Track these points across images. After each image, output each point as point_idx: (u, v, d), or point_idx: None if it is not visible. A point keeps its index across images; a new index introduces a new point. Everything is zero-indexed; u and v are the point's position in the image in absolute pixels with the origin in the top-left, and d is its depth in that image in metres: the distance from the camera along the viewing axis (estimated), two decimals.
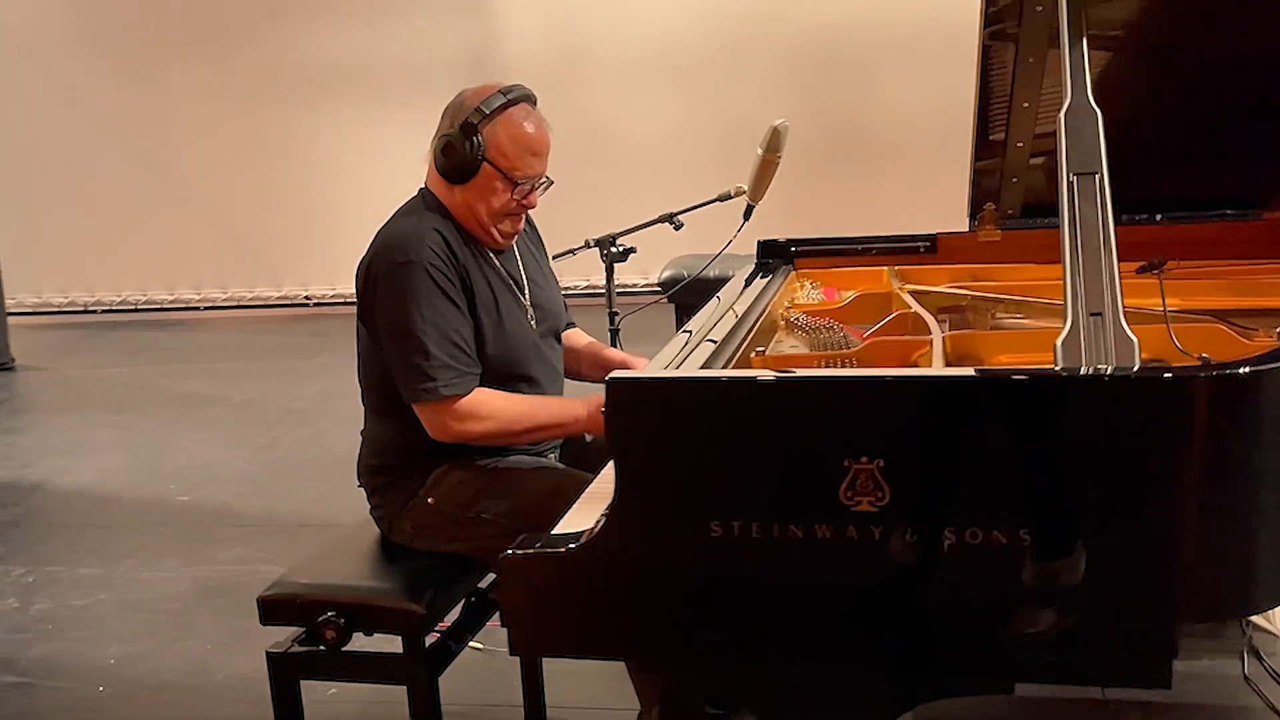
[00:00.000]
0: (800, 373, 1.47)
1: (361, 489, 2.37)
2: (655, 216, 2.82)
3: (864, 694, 1.47)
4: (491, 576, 2.38)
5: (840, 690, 1.47)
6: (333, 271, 7.87)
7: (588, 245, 2.92)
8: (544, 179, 2.22)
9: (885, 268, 2.65)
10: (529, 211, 2.29)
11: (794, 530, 1.42)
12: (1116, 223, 2.64)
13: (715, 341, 1.86)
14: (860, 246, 2.72)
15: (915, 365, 1.89)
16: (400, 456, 2.24)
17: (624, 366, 2.42)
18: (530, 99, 2.21)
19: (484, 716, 2.61)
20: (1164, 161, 2.40)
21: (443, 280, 2.12)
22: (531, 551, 1.51)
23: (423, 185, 2.29)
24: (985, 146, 2.40)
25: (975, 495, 1.37)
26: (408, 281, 2.10)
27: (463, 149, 2.13)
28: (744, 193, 2.52)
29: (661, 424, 1.46)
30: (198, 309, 8.15)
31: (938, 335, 1.94)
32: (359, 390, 2.37)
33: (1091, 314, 1.39)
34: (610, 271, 2.97)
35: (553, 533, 1.66)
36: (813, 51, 7.11)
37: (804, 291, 2.57)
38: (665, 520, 1.46)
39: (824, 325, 2.23)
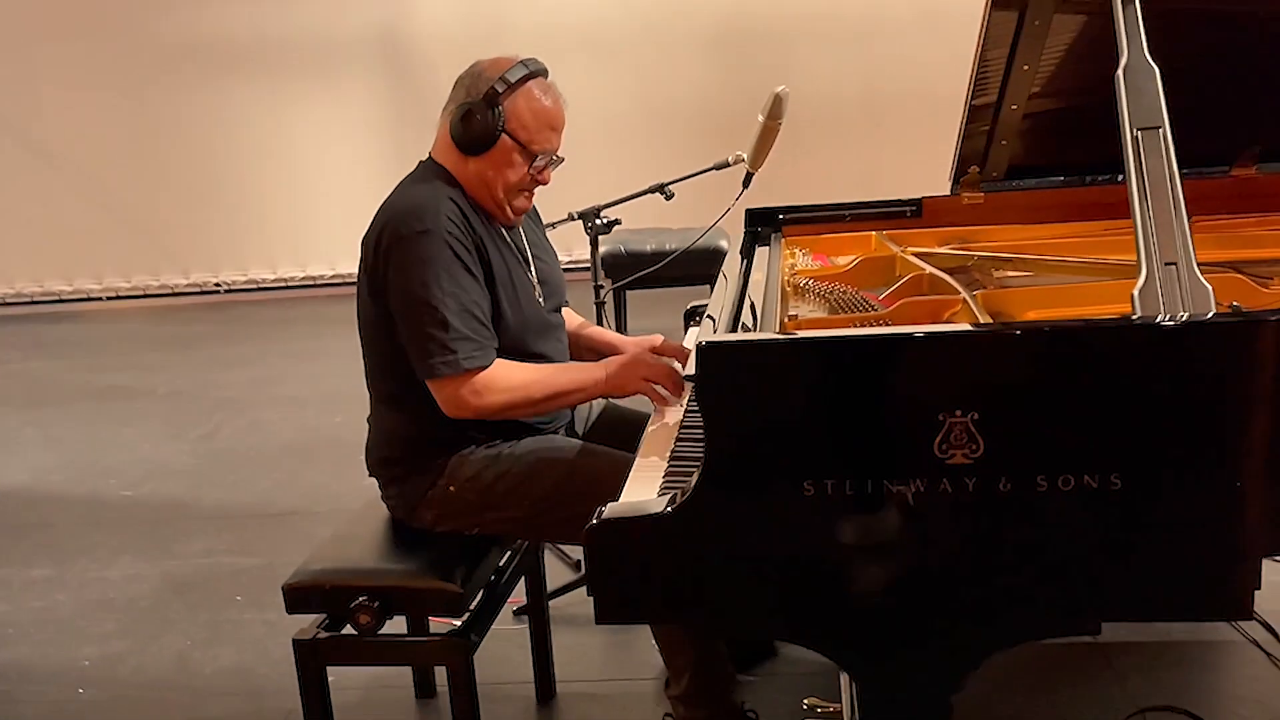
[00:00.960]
0: (894, 331, 1.49)
1: (373, 479, 2.32)
2: (645, 187, 2.82)
3: (953, 643, 1.50)
4: (507, 554, 2.38)
5: (930, 639, 1.51)
6: (243, 257, 7.66)
7: (571, 218, 2.91)
8: (558, 155, 2.20)
9: (874, 232, 2.70)
10: None
11: (888, 486, 1.45)
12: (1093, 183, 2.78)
13: (755, 307, 1.87)
14: (847, 213, 2.76)
15: (949, 323, 1.94)
16: (415, 446, 2.20)
17: (619, 348, 2.42)
18: (546, 73, 2.18)
19: (494, 694, 2.59)
20: None
21: (461, 250, 2.07)
22: (624, 517, 1.51)
23: (426, 157, 2.24)
24: (974, 111, 2.45)
25: (1066, 442, 1.41)
26: (425, 251, 2.04)
27: (485, 119, 2.10)
28: (742, 160, 2.54)
29: (754, 387, 1.46)
30: (100, 299, 7.83)
31: (967, 294, 1.98)
32: (363, 379, 2.30)
33: (1166, 263, 1.44)
34: (595, 245, 2.96)
35: (619, 501, 1.66)
36: (733, 27, 7.14)
37: (797, 258, 2.60)
38: (758, 482, 1.47)
39: (836, 289, 2.27)
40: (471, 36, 7.08)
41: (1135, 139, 1.51)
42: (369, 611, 2.04)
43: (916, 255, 2.40)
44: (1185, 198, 2.52)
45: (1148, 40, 2.15)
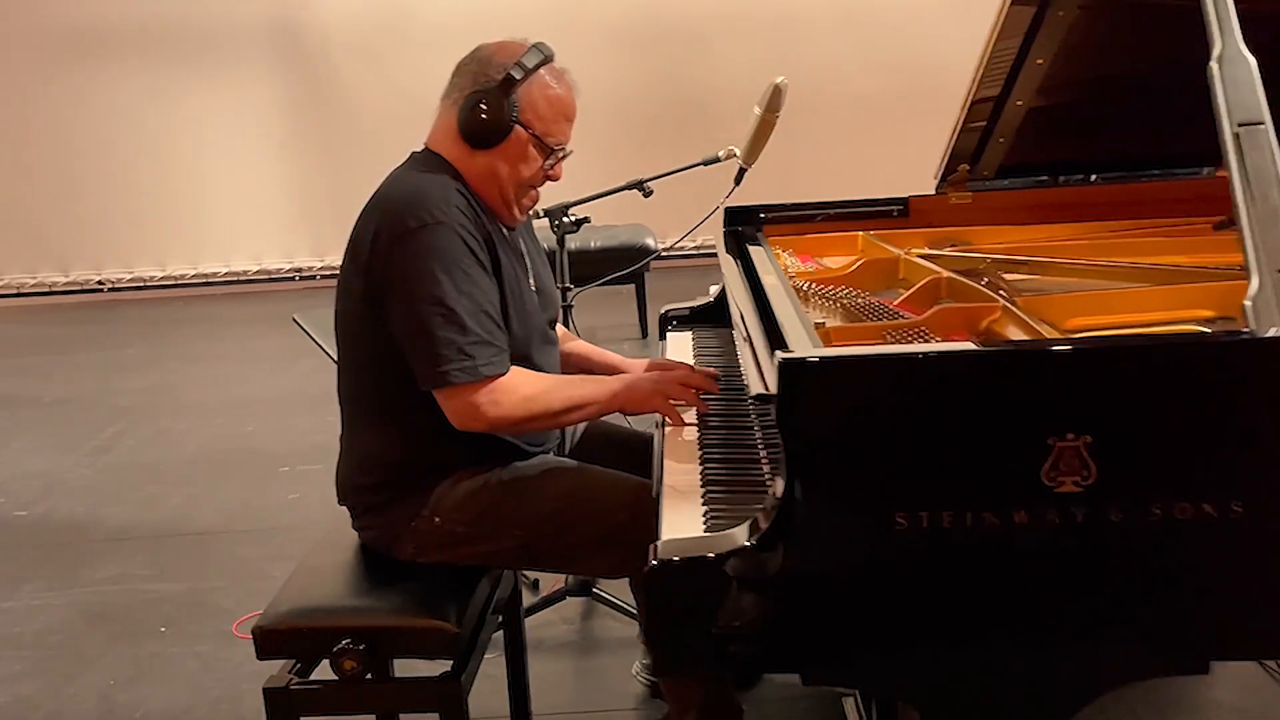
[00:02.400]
0: (1006, 346, 1.35)
1: (344, 507, 2.09)
2: (623, 184, 2.64)
3: (1048, 686, 1.37)
4: (504, 581, 2.18)
5: (1024, 683, 1.37)
6: (128, 253, 7.21)
7: (537, 215, 2.71)
8: (569, 148, 2.01)
9: (860, 233, 2.58)
10: None
11: (987, 517, 1.31)
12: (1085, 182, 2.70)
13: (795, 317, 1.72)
14: (831, 212, 2.63)
15: (991, 332, 1.81)
16: (399, 473, 1.98)
17: (620, 369, 2.24)
18: (554, 57, 2.00)
19: None
20: (1138, 119, 2.42)
21: (475, 245, 1.87)
22: (693, 558, 1.34)
23: (422, 147, 2.03)
24: (976, 106, 2.35)
25: (1185, 467, 1.30)
26: (437, 244, 1.83)
27: (498, 108, 1.90)
28: (734, 155, 2.38)
29: (843, 408, 1.31)
30: None
31: (1007, 301, 1.86)
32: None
33: (1278, 270, 1.33)
34: (562, 244, 2.78)
35: (662, 539, 1.49)
36: (646, 22, 7.00)
37: (784, 260, 2.46)
38: (844, 515, 1.32)
39: (842, 292, 2.13)
40: (377, 24, 6.77)
41: (1236, 135, 1.40)
42: (354, 656, 1.82)
43: (923, 257, 2.27)
44: (1167, 199, 2.54)
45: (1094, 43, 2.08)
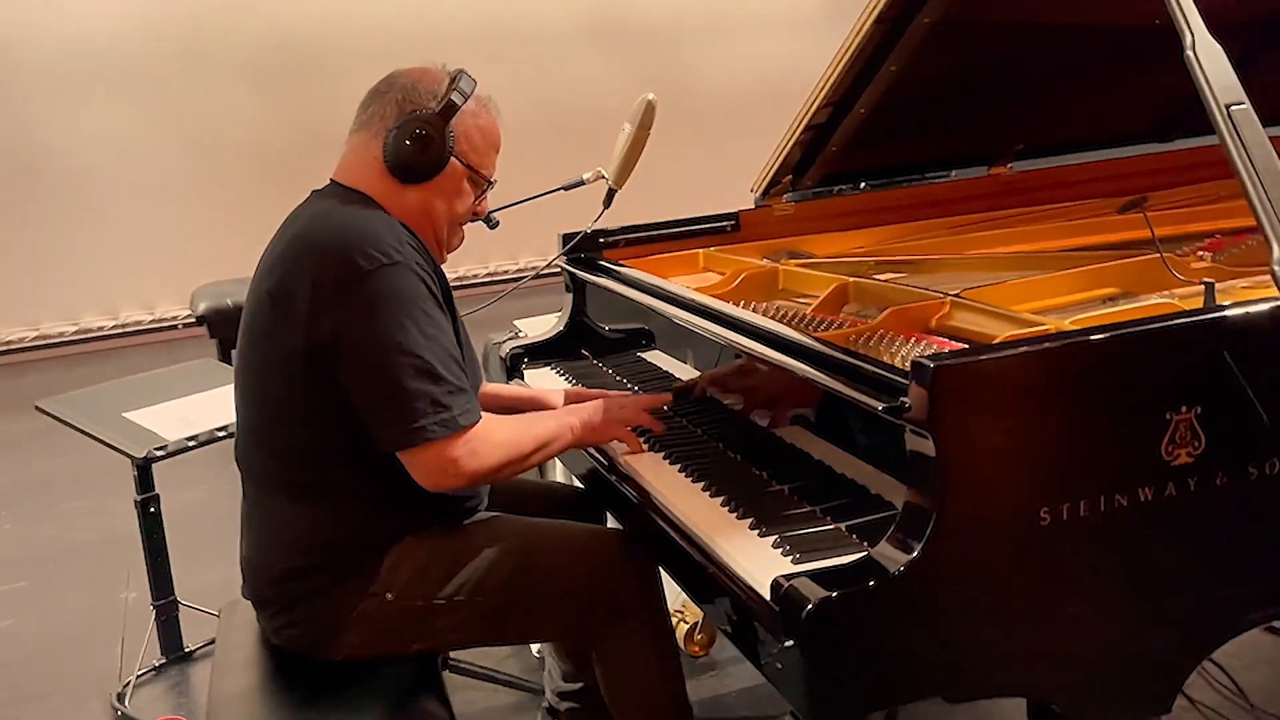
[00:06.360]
0: (1134, 326, 1.35)
1: (251, 603, 1.77)
2: None
3: (1172, 649, 1.41)
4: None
5: (1152, 651, 1.40)
6: None
7: None
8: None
9: (701, 250, 2.56)
10: None
11: (1119, 499, 1.32)
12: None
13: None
14: (668, 231, 2.59)
15: (945, 327, 1.84)
16: (338, 551, 1.71)
17: (543, 404, 2.07)
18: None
19: None
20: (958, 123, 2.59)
21: (432, 285, 1.67)
22: (850, 591, 1.23)
23: (328, 182, 1.76)
24: (816, 114, 2.39)
25: (1270, 428, 1.37)
26: (395, 287, 1.61)
27: (436, 140, 1.71)
28: (603, 177, 2.26)
29: (991, 407, 1.27)
30: None
31: (952, 295, 1.89)
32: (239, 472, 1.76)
33: None
34: None
35: (735, 568, 1.39)
36: (280, 57, 6.61)
37: None
38: (991, 517, 1.28)
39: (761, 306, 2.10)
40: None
41: (1226, 115, 1.50)
42: None
43: (804, 266, 2.28)
44: (958, 198, 2.73)
45: (926, 55, 2.23)
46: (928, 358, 1.25)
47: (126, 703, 2.67)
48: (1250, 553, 1.41)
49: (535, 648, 2.72)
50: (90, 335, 6.73)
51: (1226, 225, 2.38)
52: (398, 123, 1.72)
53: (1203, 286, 1.55)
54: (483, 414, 1.68)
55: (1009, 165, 2.81)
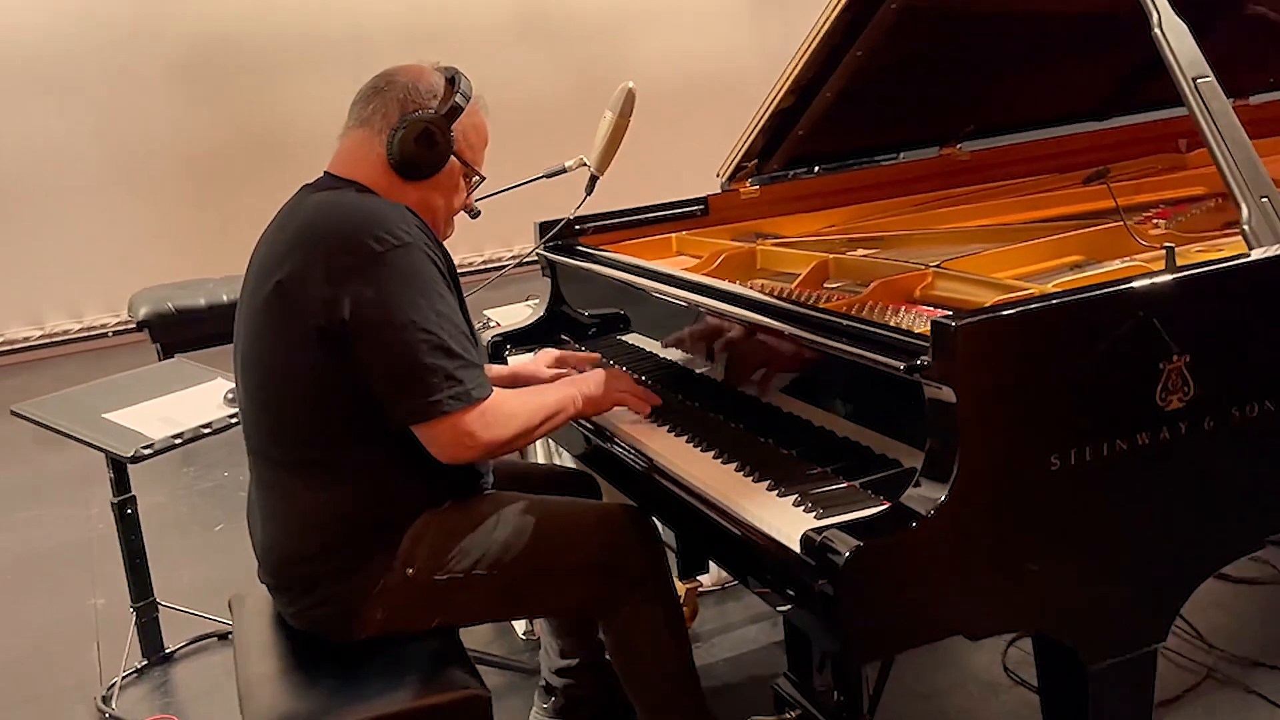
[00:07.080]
0: (1123, 281, 1.46)
1: (268, 586, 1.80)
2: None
3: (1176, 576, 1.52)
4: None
5: (1158, 581, 1.51)
6: None
7: None
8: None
9: (674, 234, 2.63)
10: None
11: (1120, 445, 1.42)
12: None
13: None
14: (641, 217, 2.66)
15: (929, 296, 1.93)
16: (358, 528, 1.75)
17: (530, 379, 2.13)
18: None
19: None
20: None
21: (443, 266, 1.74)
22: (885, 540, 1.32)
23: (330, 174, 1.81)
24: (784, 98, 2.47)
25: (1253, 373, 1.49)
26: (407, 266, 1.67)
27: (441, 139, 1.80)
28: (584, 164, 2.32)
29: (1003, 361, 1.36)
30: None
31: (935, 266, 1.98)
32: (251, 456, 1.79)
33: (1260, 197, 1.57)
34: None
35: (763, 526, 1.47)
36: (209, 58, 6.53)
37: None
38: (1008, 465, 1.37)
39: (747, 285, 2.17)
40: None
41: (1195, 87, 1.61)
42: None
43: (780, 245, 2.37)
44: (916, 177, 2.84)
45: (890, 40, 2.33)
46: (947, 317, 1.34)
47: (114, 704, 2.67)
48: (1236, 490, 1.52)
49: (523, 630, 2.77)
50: (16, 346, 6.59)
51: (1170, 195, 2.53)
52: (401, 121, 1.79)
53: (1163, 251, 1.68)
54: (493, 388, 1.74)
55: (959, 146, 2.93)
